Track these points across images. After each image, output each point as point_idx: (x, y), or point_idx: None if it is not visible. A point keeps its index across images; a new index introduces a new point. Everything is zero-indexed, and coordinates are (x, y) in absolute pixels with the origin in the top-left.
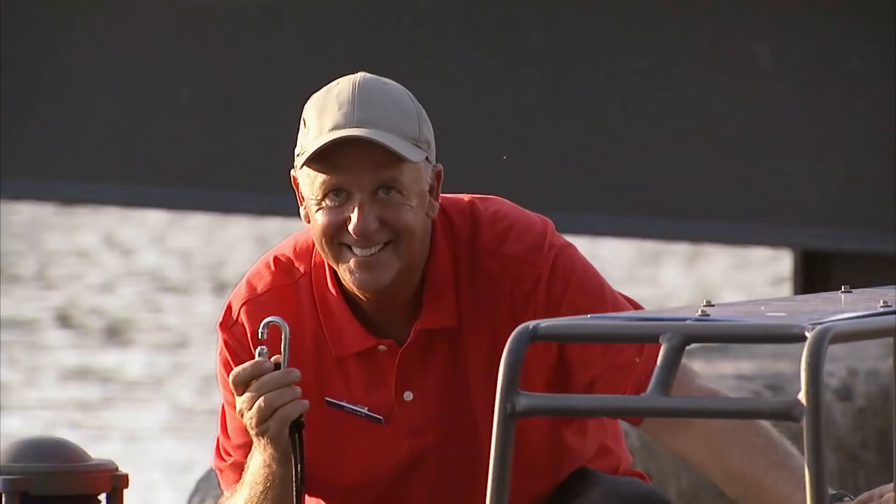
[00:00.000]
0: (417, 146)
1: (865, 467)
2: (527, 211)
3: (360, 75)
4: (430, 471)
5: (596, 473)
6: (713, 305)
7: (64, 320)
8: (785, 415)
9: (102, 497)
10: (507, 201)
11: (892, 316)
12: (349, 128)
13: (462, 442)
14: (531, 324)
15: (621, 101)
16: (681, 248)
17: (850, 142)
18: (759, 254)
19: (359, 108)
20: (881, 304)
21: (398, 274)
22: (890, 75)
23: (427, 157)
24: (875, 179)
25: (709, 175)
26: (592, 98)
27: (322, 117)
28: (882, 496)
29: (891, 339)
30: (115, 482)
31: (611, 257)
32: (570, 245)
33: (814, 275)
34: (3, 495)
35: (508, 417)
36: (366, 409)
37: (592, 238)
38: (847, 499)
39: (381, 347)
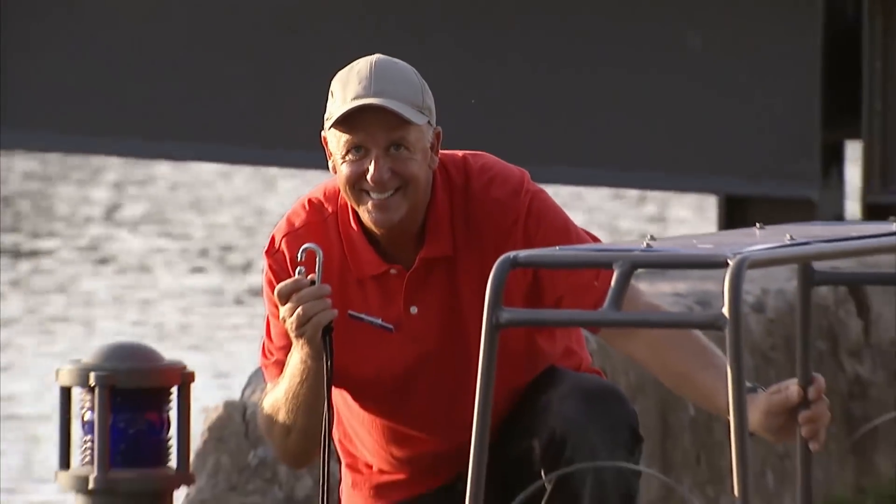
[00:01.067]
0: (421, 112)
1: (775, 366)
2: (508, 164)
3: (375, 56)
4: (430, 369)
5: (563, 370)
6: (655, 239)
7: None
8: (712, 325)
9: (174, 389)
10: (492, 156)
11: (796, 247)
12: (367, 97)
13: (457, 347)
14: (512, 254)
15: (585, 78)
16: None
17: (763, 109)
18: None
19: (375, 81)
20: (788, 237)
21: (406, 213)
22: (794, 54)
23: (429, 121)
24: (782, 139)
25: (650, 135)
26: (561, 77)
27: (346, 89)
28: (787, 388)
29: (795, 265)
30: (184, 378)
31: None
32: (543, 191)
33: (735, 214)
34: (97, 388)
35: (494, 328)
36: (380, 320)
37: (557, 187)
38: (760, 390)
39: (392, 271)
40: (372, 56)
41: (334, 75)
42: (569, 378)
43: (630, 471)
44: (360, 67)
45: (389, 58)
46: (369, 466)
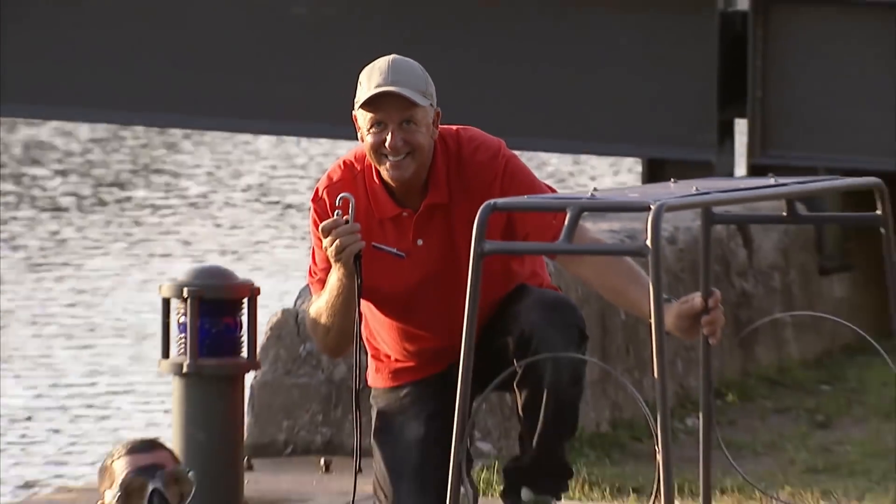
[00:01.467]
0: (425, 97)
1: (684, 284)
2: (489, 135)
3: (392, 56)
4: (433, 288)
5: (530, 287)
6: (598, 191)
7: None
8: (638, 253)
9: (245, 300)
10: (478, 129)
11: (700, 196)
12: (386, 86)
13: (452, 270)
14: (492, 201)
15: (548, 71)
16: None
17: (675, 95)
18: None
19: (391, 74)
20: (694, 189)
21: (414, 172)
22: (697, 55)
23: (431, 104)
24: (689, 117)
25: (595, 114)
26: (531, 70)
27: (370, 79)
28: (693, 299)
29: (699, 209)
30: (252, 292)
31: None
32: (515, 156)
33: (655, 172)
34: (189, 299)
35: (479, 256)
36: (395, 249)
37: (526, 152)
38: (673, 301)
39: (404, 214)
40: (389, 55)
41: (360, 70)
42: (534, 292)
43: (579, 359)
44: (381, 64)
45: (402, 57)
46: (388, 357)
